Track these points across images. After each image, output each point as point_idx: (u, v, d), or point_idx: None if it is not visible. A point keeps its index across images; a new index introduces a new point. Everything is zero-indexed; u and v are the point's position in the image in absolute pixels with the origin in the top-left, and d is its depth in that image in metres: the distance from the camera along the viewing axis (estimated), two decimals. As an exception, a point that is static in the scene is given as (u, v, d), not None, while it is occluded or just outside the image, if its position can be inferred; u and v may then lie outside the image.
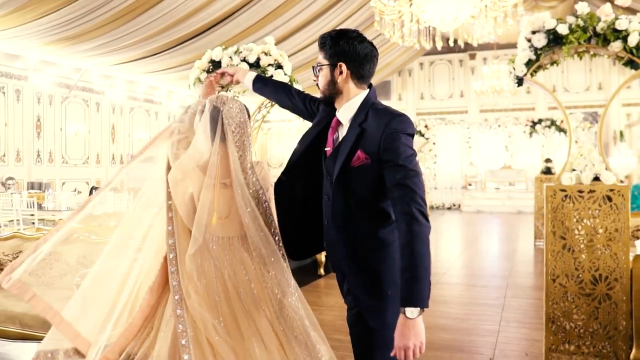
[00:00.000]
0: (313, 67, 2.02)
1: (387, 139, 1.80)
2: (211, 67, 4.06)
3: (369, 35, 9.82)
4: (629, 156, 17.83)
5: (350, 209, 1.89)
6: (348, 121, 1.93)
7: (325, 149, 1.99)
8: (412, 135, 1.85)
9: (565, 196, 3.23)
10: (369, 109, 1.89)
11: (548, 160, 11.46)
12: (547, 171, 10.42)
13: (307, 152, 2.03)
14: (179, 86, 17.29)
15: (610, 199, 3.14)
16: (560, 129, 9.89)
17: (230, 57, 3.95)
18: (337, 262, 1.99)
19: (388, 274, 1.84)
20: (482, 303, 5.51)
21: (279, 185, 2.05)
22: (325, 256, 5.95)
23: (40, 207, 9.01)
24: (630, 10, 12.60)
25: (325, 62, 1.94)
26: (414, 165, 1.78)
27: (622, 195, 3.11)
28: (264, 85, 2.37)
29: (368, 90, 1.97)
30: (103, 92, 15.72)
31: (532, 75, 3.44)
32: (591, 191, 3.17)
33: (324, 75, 1.95)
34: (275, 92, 2.33)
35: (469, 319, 4.89)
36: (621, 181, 3.30)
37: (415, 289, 1.69)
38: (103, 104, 15.78)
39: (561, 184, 3.27)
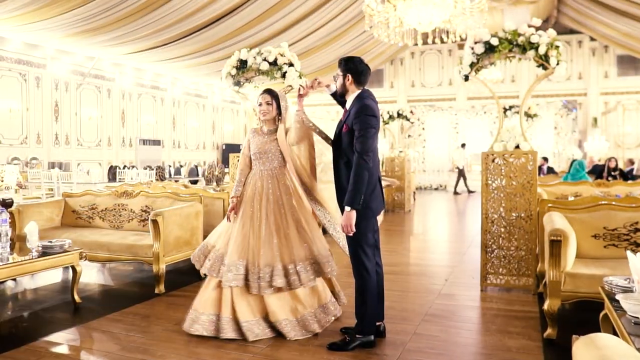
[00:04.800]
0: (334, 76, 3.39)
1: (356, 117, 3.16)
2: (239, 65, 5.34)
3: (359, 29, 11.25)
4: (601, 141, 19.27)
5: (340, 157, 3.29)
6: (348, 107, 3.31)
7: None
8: (372, 116, 3.14)
9: (495, 159, 4.58)
10: (357, 100, 3.27)
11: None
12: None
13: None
14: (184, 74, 18.38)
15: (525, 160, 4.50)
16: (528, 115, 11.17)
17: (254, 57, 5.24)
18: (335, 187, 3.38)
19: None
20: (450, 252, 6.90)
21: (333, 146, 3.42)
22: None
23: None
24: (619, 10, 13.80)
25: (341, 73, 3.33)
26: (366, 132, 3.10)
27: (532, 158, 4.47)
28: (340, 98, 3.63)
29: (361, 90, 3.32)
30: (113, 79, 16.78)
31: (476, 72, 4.76)
32: (512, 155, 4.52)
33: (339, 81, 3.35)
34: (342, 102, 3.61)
35: (438, 259, 6.28)
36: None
37: (351, 196, 3.09)
38: (114, 91, 16.87)
39: (493, 150, 4.62)
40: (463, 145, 17.88)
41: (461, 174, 17.37)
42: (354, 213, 3.09)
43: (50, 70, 14.63)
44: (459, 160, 17.59)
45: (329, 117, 22.17)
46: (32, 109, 14.25)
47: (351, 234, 3.12)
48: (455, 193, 17.74)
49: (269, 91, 3.78)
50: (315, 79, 3.57)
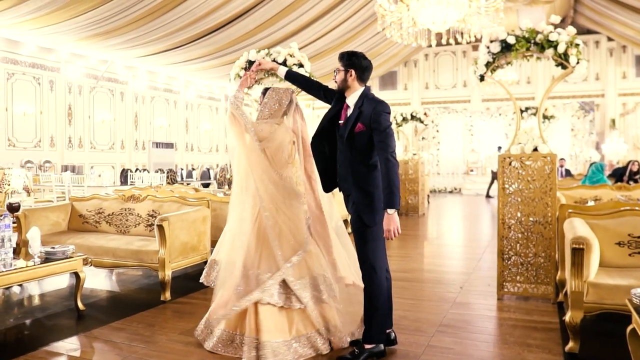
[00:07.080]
0: (334, 70, 3.21)
1: (374, 116, 3.03)
2: (248, 66, 5.22)
3: (372, 31, 11.19)
4: (620, 143, 18.86)
5: (354, 157, 3.10)
6: (353, 105, 3.14)
7: (340, 122, 3.20)
8: (389, 113, 3.07)
9: (512, 162, 4.39)
10: (364, 98, 3.12)
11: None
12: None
13: (328, 124, 3.24)
14: (196, 76, 18.37)
15: (543, 163, 4.30)
16: (545, 117, 10.91)
17: (263, 58, 5.11)
18: (346, 188, 3.19)
19: (375, 193, 3.05)
20: (465, 257, 6.69)
21: (313, 143, 3.27)
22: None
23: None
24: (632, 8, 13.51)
25: (342, 68, 3.16)
26: (389, 130, 3.01)
27: (552, 161, 4.27)
28: (296, 78, 3.55)
29: (365, 87, 3.18)
30: (127, 82, 16.80)
31: (491, 72, 4.58)
32: (530, 158, 4.33)
33: (340, 76, 3.18)
34: (306, 84, 3.52)
35: (452, 265, 6.09)
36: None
37: (391, 198, 2.92)
38: (127, 94, 16.90)
39: (510, 153, 4.44)
40: (499, 149, 17.72)
41: (495, 177, 17.22)
42: (396, 215, 2.95)
43: (64, 73, 14.69)
44: (494, 163, 17.48)
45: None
46: (45, 112, 14.31)
47: (396, 236, 2.97)
48: (488, 196, 17.49)
49: (263, 90, 3.66)
50: (256, 63, 3.56)
